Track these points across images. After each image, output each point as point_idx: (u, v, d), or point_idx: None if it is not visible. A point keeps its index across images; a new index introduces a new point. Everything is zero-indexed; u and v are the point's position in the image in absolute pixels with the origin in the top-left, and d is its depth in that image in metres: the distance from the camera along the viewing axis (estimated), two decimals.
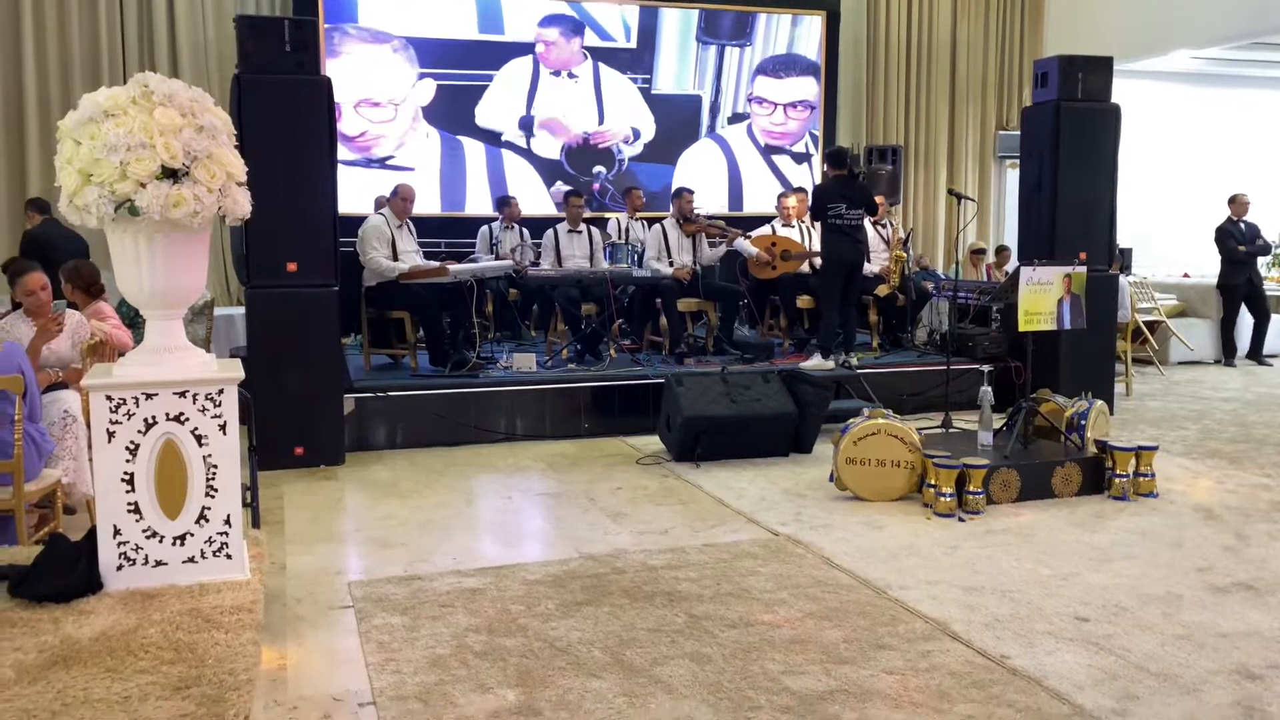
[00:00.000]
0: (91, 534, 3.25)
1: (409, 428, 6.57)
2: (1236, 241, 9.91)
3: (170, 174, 3.01)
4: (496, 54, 11.11)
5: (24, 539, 3.80)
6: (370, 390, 6.53)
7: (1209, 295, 10.41)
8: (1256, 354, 10.21)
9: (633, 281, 7.94)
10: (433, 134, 10.86)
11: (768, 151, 12.16)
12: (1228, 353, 10.16)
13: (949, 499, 5.03)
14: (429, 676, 3.23)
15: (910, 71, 12.26)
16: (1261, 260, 10.48)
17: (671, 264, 8.06)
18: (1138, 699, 3.10)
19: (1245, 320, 10.25)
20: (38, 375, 4.25)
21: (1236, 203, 10.05)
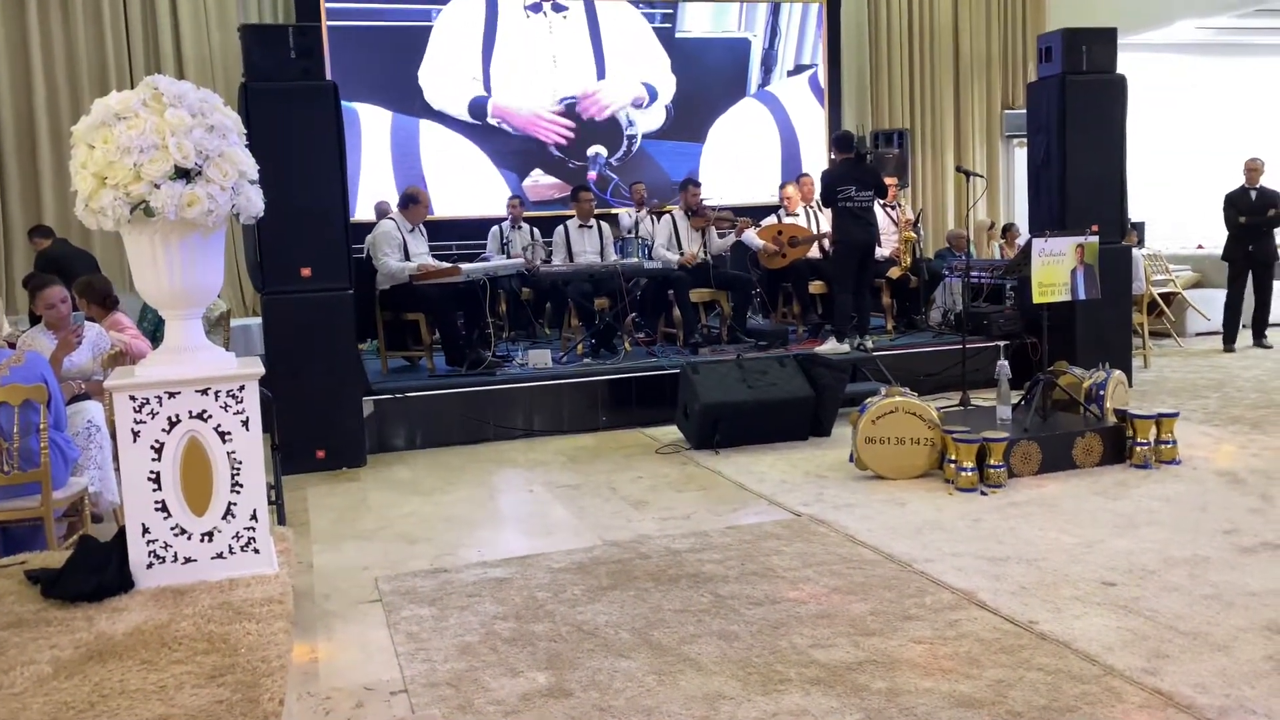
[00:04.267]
0: (121, 534, 3.29)
1: (428, 428, 6.60)
2: (1238, 210, 9.25)
3: (183, 174, 3.04)
4: None
5: (54, 545, 3.84)
6: (388, 392, 6.56)
7: (1224, 266, 10.30)
8: (1256, 335, 9.40)
9: (644, 274, 7.96)
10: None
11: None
12: (1227, 336, 9.25)
13: (970, 473, 5.02)
14: (459, 663, 3.26)
15: (913, 54, 12.22)
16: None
17: (681, 253, 8.07)
18: (1168, 657, 3.09)
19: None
20: (60, 386, 4.29)
21: (1248, 168, 9.33)
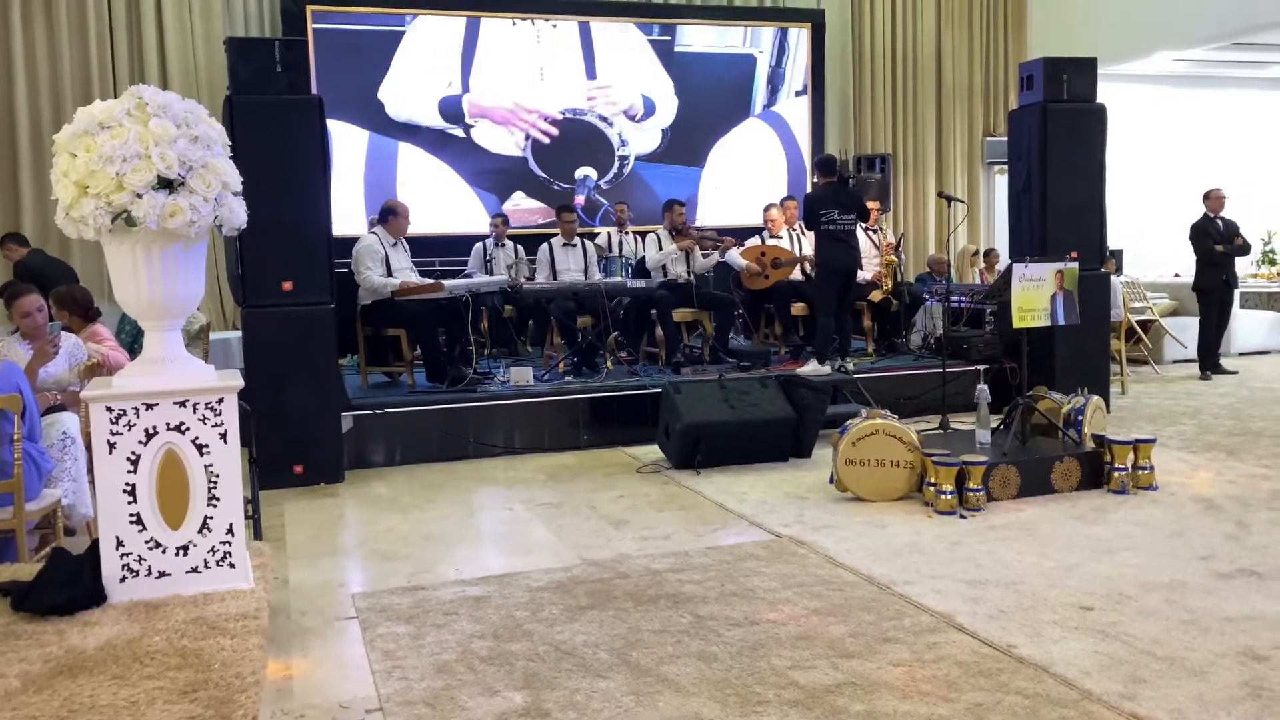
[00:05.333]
0: (94, 546, 3.25)
1: (408, 444, 6.57)
2: (1213, 240, 9.22)
3: (166, 184, 3.02)
4: None
5: (25, 557, 3.79)
6: (368, 408, 6.53)
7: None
8: (1214, 363, 9.38)
9: (627, 293, 7.97)
10: None
11: None
12: (1207, 363, 9.33)
13: (950, 496, 5.03)
14: (435, 682, 3.22)
15: (896, 80, 12.34)
16: (1245, 258, 10.00)
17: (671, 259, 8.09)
18: (1145, 682, 3.10)
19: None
20: (35, 397, 4.25)
21: (1212, 198, 9.36)
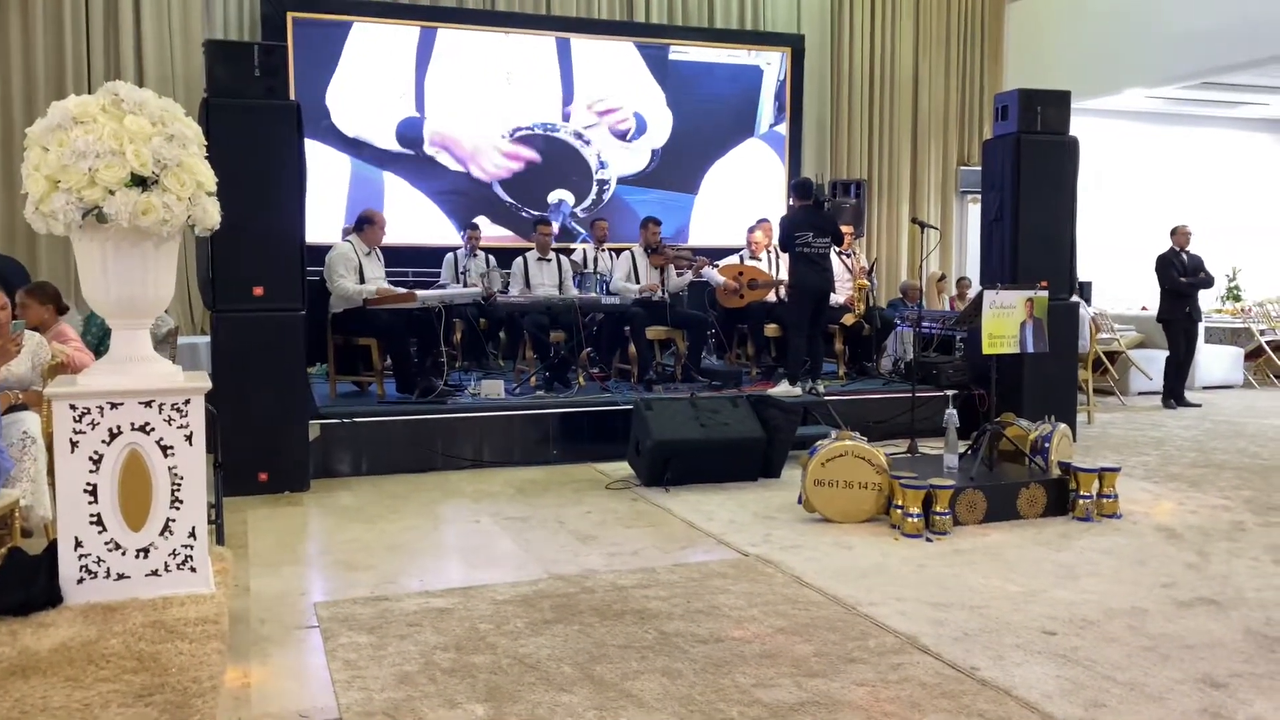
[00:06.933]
0: (52, 547, 3.19)
1: (375, 454, 6.51)
2: (1178, 271, 9.51)
3: (140, 181, 2.99)
4: None
5: None
6: (336, 416, 6.47)
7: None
8: (1179, 394, 9.65)
9: (601, 309, 7.97)
10: None
11: None
12: (1174, 393, 9.59)
13: (916, 520, 5.05)
14: (396, 693, 3.19)
15: (873, 107, 12.47)
16: (1210, 293, 10.22)
17: (639, 284, 8.10)
18: (1105, 707, 3.12)
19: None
20: None
21: (1178, 234, 9.65)
